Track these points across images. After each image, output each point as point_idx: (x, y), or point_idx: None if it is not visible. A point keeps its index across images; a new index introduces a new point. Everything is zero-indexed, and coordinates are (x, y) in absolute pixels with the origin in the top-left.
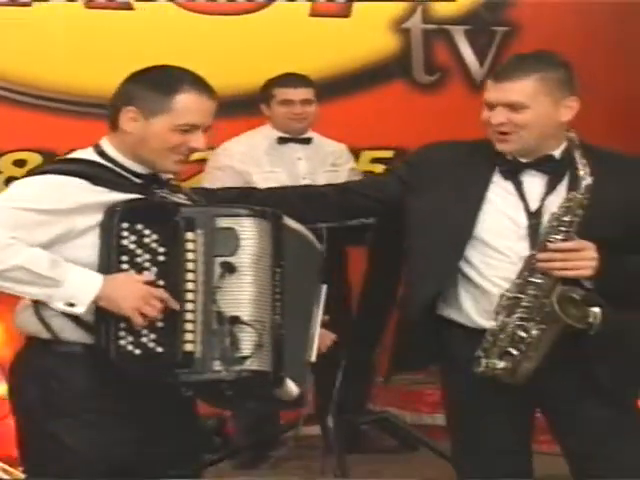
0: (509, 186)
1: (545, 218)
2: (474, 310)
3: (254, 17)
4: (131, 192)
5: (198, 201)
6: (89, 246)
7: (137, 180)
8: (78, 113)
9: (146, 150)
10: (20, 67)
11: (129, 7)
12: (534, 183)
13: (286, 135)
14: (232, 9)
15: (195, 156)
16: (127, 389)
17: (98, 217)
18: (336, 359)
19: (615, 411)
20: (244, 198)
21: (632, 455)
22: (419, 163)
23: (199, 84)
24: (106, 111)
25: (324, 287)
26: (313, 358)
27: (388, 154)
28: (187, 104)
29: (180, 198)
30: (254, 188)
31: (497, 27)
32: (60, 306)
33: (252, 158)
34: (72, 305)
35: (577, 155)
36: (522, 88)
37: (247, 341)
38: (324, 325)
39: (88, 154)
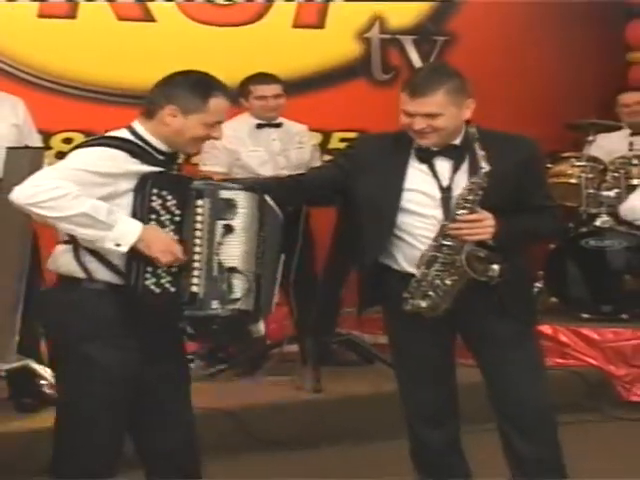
0: (424, 168)
1: (454, 191)
2: (405, 260)
3: (248, 28)
4: (156, 165)
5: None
6: (124, 206)
7: (160, 157)
8: (112, 102)
9: (180, 139)
10: (67, 66)
11: (152, 19)
12: (443, 166)
13: (263, 122)
14: (231, 21)
15: None
16: (137, 318)
17: (133, 183)
18: (313, 294)
19: (516, 326)
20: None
21: (527, 357)
22: (353, 154)
23: (224, 90)
24: (134, 100)
25: (282, 256)
26: (272, 309)
27: (353, 135)
28: (217, 107)
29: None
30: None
31: (438, 37)
32: (110, 245)
33: (239, 139)
34: (119, 245)
35: (477, 147)
36: (434, 101)
37: (239, 286)
38: None
39: (123, 133)
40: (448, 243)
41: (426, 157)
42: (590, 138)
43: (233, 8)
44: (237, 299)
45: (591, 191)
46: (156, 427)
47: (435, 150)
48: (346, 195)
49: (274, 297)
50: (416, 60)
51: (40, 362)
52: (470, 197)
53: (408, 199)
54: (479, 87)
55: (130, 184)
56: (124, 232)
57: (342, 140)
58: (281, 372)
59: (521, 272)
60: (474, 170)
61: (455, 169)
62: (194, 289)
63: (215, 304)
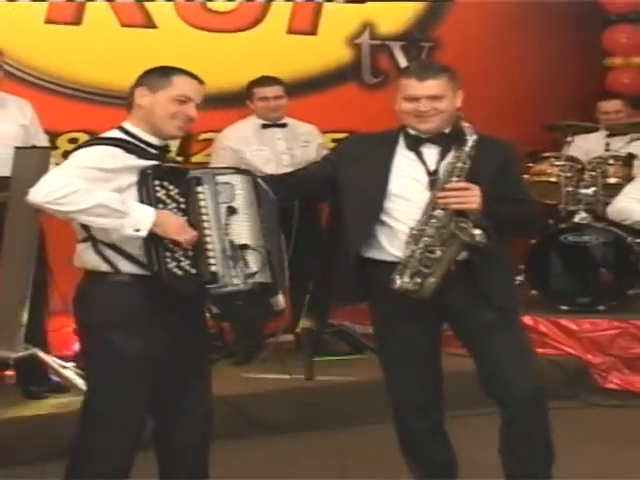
0: (411, 155)
1: (440, 175)
2: (390, 246)
3: (246, 34)
4: (151, 159)
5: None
6: (130, 199)
7: (153, 150)
8: (115, 104)
9: (154, 118)
10: (73, 70)
11: (154, 26)
12: (430, 153)
13: (267, 122)
14: (228, 28)
15: (204, 137)
16: (161, 308)
17: (134, 177)
18: (306, 286)
19: (500, 313)
20: None
21: (514, 341)
22: (342, 148)
23: (188, 72)
24: None
25: (282, 236)
26: (287, 282)
27: (344, 136)
28: (181, 82)
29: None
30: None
31: (424, 43)
32: (129, 232)
33: (244, 140)
34: (137, 230)
35: (463, 123)
36: (440, 84)
37: (254, 261)
38: None
39: (115, 133)
40: (437, 214)
41: (414, 144)
42: (569, 139)
43: (230, 15)
44: (254, 273)
45: (570, 189)
46: (176, 413)
47: (423, 137)
48: (335, 188)
49: (286, 271)
50: (404, 64)
51: (46, 351)
52: (459, 165)
53: (395, 184)
54: (463, 89)
55: (132, 178)
56: (140, 218)
57: (334, 141)
58: (276, 360)
59: (504, 263)
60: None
61: (442, 156)
62: (213, 268)
63: (236, 280)
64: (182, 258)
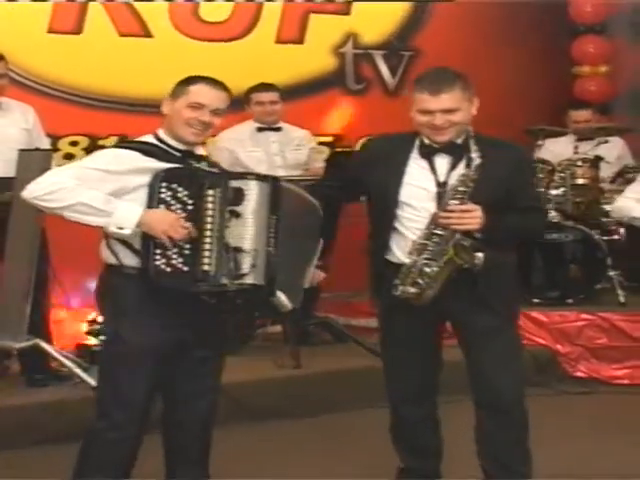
0: (424, 163)
1: (448, 188)
2: (398, 249)
3: (237, 43)
4: (172, 162)
5: (224, 170)
6: (138, 199)
7: (177, 154)
8: (113, 108)
9: (173, 124)
10: (74, 77)
11: (150, 35)
12: (442, 162)
13: (263, 125)
14: (220, 37)
15: None
16: (166, 299)
17: (146, 178)
18: None
19: (496, 319)
20: None
21: (503, 349)
22: (364, 153)
23: (208, 79)
24: (132, 107)
25: (321, 240)
26: (306, 285)
27: (329, 139)
28: (197, 89)
29: (213, 168)
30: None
31: (404, 52)
32: (114, 230)
33: (239, 142)
34: (121, 228)
35: (472, 143)
36: (454, 97)
37: (245, 263)
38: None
39: (148, 137)
40: (438, 232)
41: (427, 153)
42: (540, 142)
43: (222, 25)
44: (244, 274)
45: (541, 190)
46: (181, 398)
47: (436, 147)
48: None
49: (304, 273)
50: (385, 72)
51: (48, 342)
52: (461, 188)
53: (405, 193)
54: None
55: (142, 180)
56: (124, 217)
57: (319, 144)
58: (265, 350)
59: (505, 269)
60: (469, 167)
61: (453, 166)
62: (205, 267)
63: (224, 279)
64: (175, 256)
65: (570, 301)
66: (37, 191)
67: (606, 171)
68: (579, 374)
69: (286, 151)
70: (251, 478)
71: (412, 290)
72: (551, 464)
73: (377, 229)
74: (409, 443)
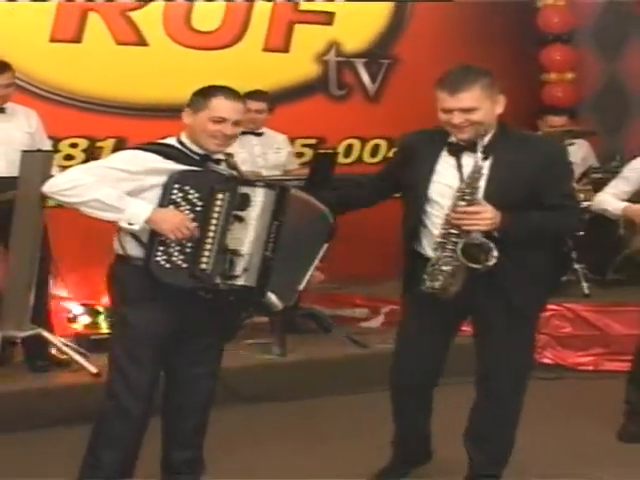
0: (452, 161)
1: (455, 188)
2: (428, 245)
3: (227, 51)
4: (190, 165)
5: (242, 173)
6: (152, 198)
7: (195, 157)
8: (111, 112)
9: (197, 135)
10: (74, 83)
11: (145, 44)
12: (468, 160)
13: (247, 130)
14: (211, 46)
15: None
16: (168, 289)
17: (162, 179)
18: None
19: (517, 321)
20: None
21: (516, 346)
22: (400, 150)
23: (227, 92)
24: (128, 111)
25: (325, 245)
26: (302, 287)
27: (313, 141)
28: (218, 104)
29: (232, 171)
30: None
31: (384, 60)
32: (125, 225)
33: None
34: (131, 224)
35: (479, 143)
36: (472, 96)
37: (238, 266)
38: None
39: (171, 140)
40: (454, 231)
41: (455, 151)
42: None
43: (213, 35)
44: (236, 276)
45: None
46: (181, 381)
47: (464, 145)
48: (400, 184)
49: (303, 275)
50: (366, 79)
51: (49, 331)
52: (468, 190)
53: (433, 189)
54: (418, 103)
55: (158, 180)
56: (135, 213)
57: (304, 145)
58: (253, 339)
59: (528, 268)
60: (496, 166)
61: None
62: (203, 266)
63: (218, 279)
64: (176, 253)
65: None
66: (57, 186)
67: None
68: (546, 360)
69: (268, 153)
70: (238, 458)
71: (437, 285)
72: (518, 443)
73: (409, 225)
74: (410, 423)
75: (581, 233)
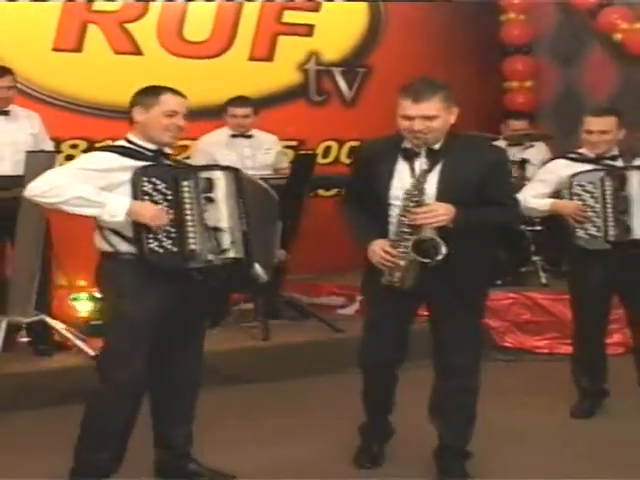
0: (406, 166)
1: (403, 192)
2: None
3: (215, 60)
4: (146, 160)
5: (186, 165)
6: (124, 193)
7: (148, 153)
8: (108, 116)
9: (151, 131)
10: (74, 88)
11: (140, 53)
12: (421, 166)
13: (236, 133)
14: (201, 55)
15: (183, 143)
16: (159, 277)
17: (128, 175)
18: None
19: (460, 302)
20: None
21: (464, 325)
22: (360, 157)
23: (171, 89)
24: (124, 115)
25: (280, 223)
26: (275, 260)
27: (294, 143)
28: (168, 99)
29: (179, 165)
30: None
31: (359, 68)
32: (107, 218)
33: (216, 145)
34: (114, 217)
35: (423, 151)
36: (434, 105)
37: (225, 240)
38: None
39: (121, 142)
40: (406, 230)
41: (409, 157)
42: None
43: (202, 45)
44: (226, 249)
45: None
46: (171, 363)
47: (417, 151)
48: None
49: (272, 249)
50: (343, 86)
51: (52, 317)
52: (415, 192)
53: (392, 194)
54: (390, 108)
55: (125, 176)
56: (115, 206)
57: (286, 147)
58: (239, 324)
59: (472, 260)
60: (447, 168)
61: (429, 170)
62: (192, 247)
63: (210, 256)
64: (164, 239)
65: (499, 282)
66: (36, 189)
67: (531, 172)
68: (507, 344)
69: (257, 154)
70: (226, 430)
71: (394, 278)
72: (481, 420)
73: (377, 228)
74: (379, 400)
75: (538, 228)
